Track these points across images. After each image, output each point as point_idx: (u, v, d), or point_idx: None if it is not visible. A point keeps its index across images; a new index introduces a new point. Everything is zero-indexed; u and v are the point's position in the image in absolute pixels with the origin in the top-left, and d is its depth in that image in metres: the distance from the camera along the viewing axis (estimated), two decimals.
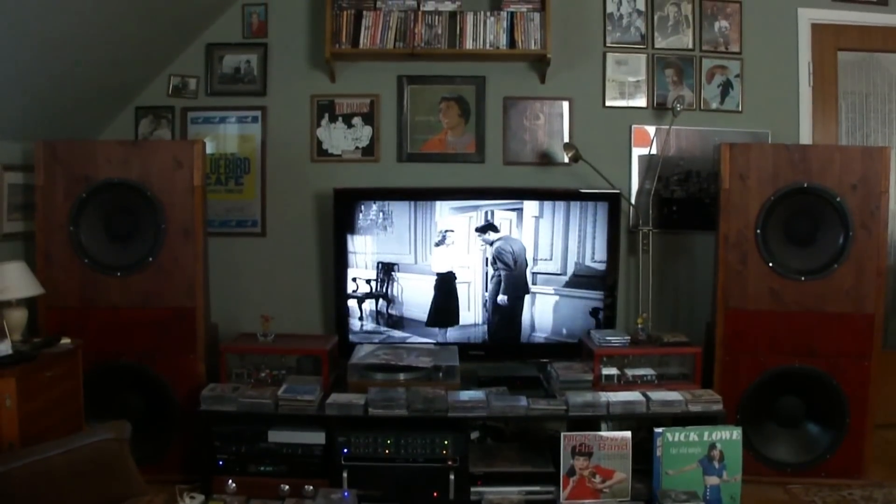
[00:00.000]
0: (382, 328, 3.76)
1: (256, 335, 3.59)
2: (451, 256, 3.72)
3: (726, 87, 4.01)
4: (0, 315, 2.88)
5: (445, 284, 3.72)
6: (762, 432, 3.46)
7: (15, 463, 2.32)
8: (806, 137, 3.99)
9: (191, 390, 3.34)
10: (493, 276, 3.72)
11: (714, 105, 4.02)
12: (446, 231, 3.70)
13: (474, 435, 3.47)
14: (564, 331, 3.75)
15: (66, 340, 3.05)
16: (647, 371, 3.47)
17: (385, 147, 4.00)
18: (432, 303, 3.73)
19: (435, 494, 3.13)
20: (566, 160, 3.86)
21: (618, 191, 3.77)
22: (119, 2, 3.14)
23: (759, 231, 3.42)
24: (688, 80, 4.01)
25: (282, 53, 3.98)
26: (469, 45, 3.76)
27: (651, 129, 3.99)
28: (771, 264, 3.42)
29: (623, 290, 3.94)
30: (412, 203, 3.70)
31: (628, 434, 3.15)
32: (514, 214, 3.71)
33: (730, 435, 3.14)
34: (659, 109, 3.99)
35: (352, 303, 3.75)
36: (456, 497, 3.12)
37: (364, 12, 3.75)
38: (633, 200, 3.97)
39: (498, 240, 3.71)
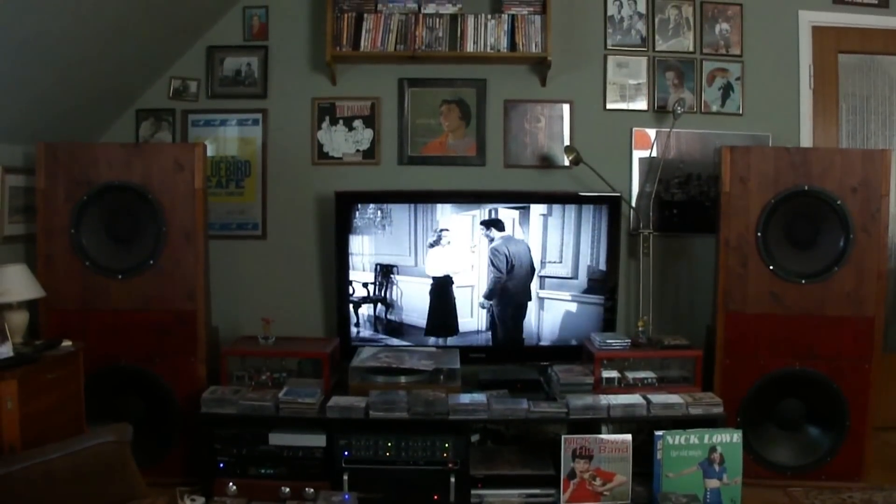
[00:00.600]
0: (381, 335, 3.74)
1: (257, 338, 3.59)
2: (451, 258, 3.71)
3: (727, 90, 4.02)
4: (1, 317, 2.88)
5: (442, 289, 3.70)
6: (762, 435, 3.46)
7: (16, 465, 2.32)
8: (806, 140, 3.99)
9: (191, 393, 3.34)
10: (494, 278, 3.70)
11: (715, 108, 4.02)
12: (442, 230, 3.68)
13: (475, 438, 3.47)
14: (563, 334, 3.75)
15: (67, 343, 3.05)
16: (648, 374, 3.47)
17: (386, 150, 4.00)
18: (430, 309, 3.71)
19: (435, 497, 3.13)
20: (567, 163, 3.87)
21: (618, 194, 3.77)
22: (120, 4, 3.14)
23: (759, 234, 3.42)
24: (688, 82, 4.01)
25: (282, 56, 3.99)
26: (470, 47, 3.76)
27: (652, 132, 4.00)
28: (771, 267, 3.42)
29: (623, 292, 3.94)
30: (412, 206, 3.69)
31: (629, 437, 3.15)
32: (517, 213, 3.70)
33: (730, 438, 3.14)
34: (659, 112, 4.00)
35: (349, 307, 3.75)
36: (456, 500, 3.12)
37: (365, 15, 3.75)
38: (633, 203, 3.97)
39: (498, 240, 3.70)
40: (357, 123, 3.99)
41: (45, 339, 3.13)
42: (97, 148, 3.48)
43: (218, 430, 3.22)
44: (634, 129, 4.01)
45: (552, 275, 3.72)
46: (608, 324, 3.73)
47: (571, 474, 3.12)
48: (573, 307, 3.74)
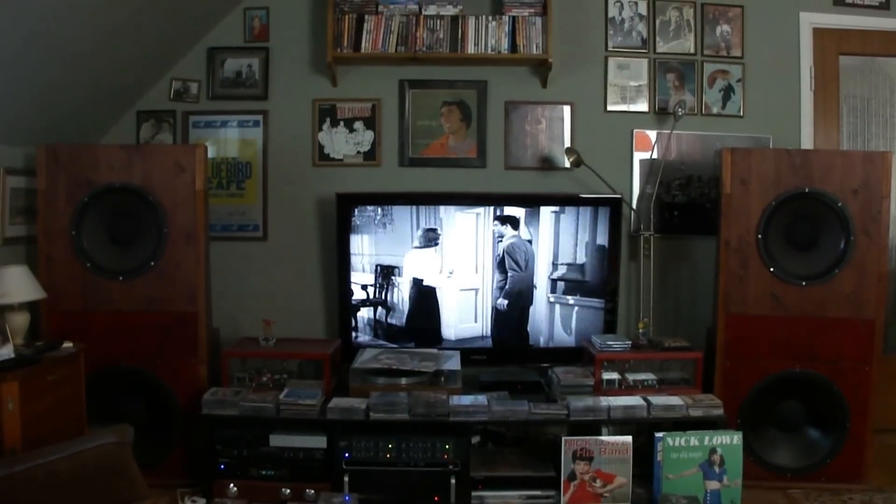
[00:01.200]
0: (381, 341, 3.74)
1: (258, 339, 3.59)
2: (449, 259, 3.71)
3: (728, 92, 4.02)
4: (2, 319, 2.88)
5: (427, 296, 3.67)
6: (763, 437, 3.46)
7: (18, 466, 2.32)
8: (807, 142, 3.99)
9: (192, 394, 3.34)
10: (500, 279, 3.70)
11: (715, 109, 4.02)
12: (427, 230, 3.66)
13: (475, 439, 3.47)
14: (563, 335, 3.75)
15: (68, 344, 3.05)
16: (648, 376, 3.47)
17: (386, 151, 4.00)
18: (408, 313, 3.71)
19: (436, 498, 3.14)
20: (567, 165, 3.87)
21: (619, 195, 3.77)
22: (120, 5, 3.14)
23: (760, 236, 3.42)
24: (689, 84, 4.01)
25: (283, 57, 3.99)
26: (471, 49, 3.76)
27: (652, 134, 4.00)
28: (772, 269, 3.42)
29: (624, 294, 3.95)
30: (413, 207, 3.69)
31: (629, 438, 3.15)
32: (522, 212, 3.69)
33: (730, 439, 3.14)
34: (660, 114, 4.00)
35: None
36: (457, 501, 3.13)
37: (366, 16, 3.75)
38: (634, 205, 3.97)
39: (512, 237, 3.69)
40: (358, 125, 4.00)
41: (46, 340, 3.13)
42: (98, 149, 3.48)
43: (219, 432, 3.22)
44: (635, 130, 4.01)
45: (553, 276, 3.72)
46: (609, 325, 3.73)
47: (572, 476, 3.12)
48: (574, 309, 3.74)
